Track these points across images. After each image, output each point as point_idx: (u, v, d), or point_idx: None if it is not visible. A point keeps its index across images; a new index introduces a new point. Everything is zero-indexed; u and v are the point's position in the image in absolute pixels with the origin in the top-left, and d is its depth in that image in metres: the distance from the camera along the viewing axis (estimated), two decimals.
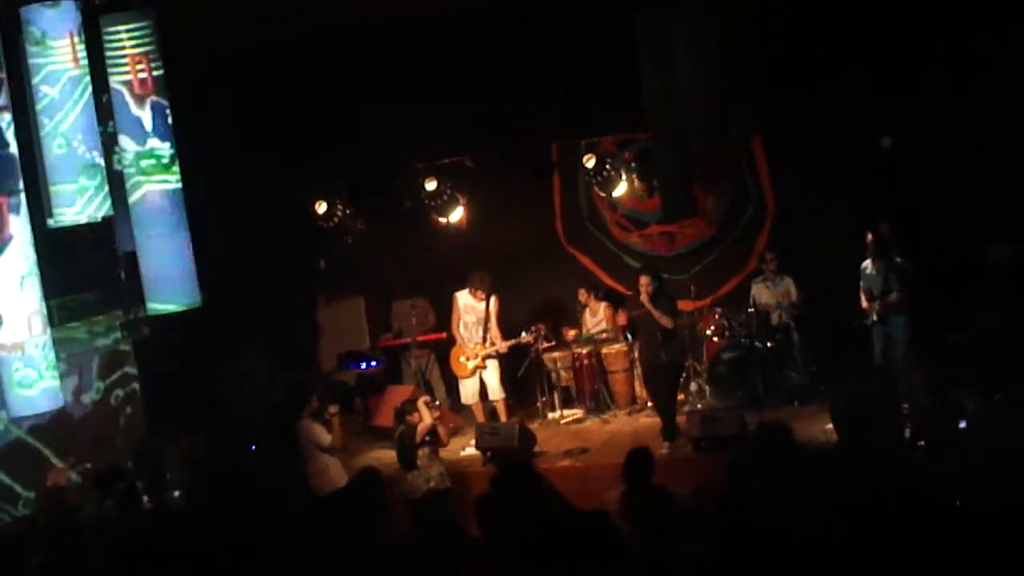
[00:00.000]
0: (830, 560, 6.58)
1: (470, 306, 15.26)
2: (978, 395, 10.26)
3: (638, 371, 15.08)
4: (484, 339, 15.20)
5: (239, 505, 10.88)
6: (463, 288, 15.29)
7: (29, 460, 12.94)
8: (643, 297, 13.50)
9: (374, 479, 9.35)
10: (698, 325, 15.47)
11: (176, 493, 12.85)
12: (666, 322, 13.44)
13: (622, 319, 14.93)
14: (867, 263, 14.05)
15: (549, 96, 14.88)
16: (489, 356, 15.18)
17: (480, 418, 15.25)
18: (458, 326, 15.42)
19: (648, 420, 14.17)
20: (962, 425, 9.38)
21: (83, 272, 13.39)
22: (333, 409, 13.10)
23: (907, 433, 10.92)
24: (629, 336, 14.86)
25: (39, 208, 11.42)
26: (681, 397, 15.13)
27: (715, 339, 15.25)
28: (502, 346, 15.22)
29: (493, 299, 15.21)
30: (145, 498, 12.18)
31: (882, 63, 13.62)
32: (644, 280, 13.61)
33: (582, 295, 16.01)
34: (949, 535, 6.62)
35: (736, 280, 16.01)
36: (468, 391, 15.41)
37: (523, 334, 15.36)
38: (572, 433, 15.11)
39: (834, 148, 14.65)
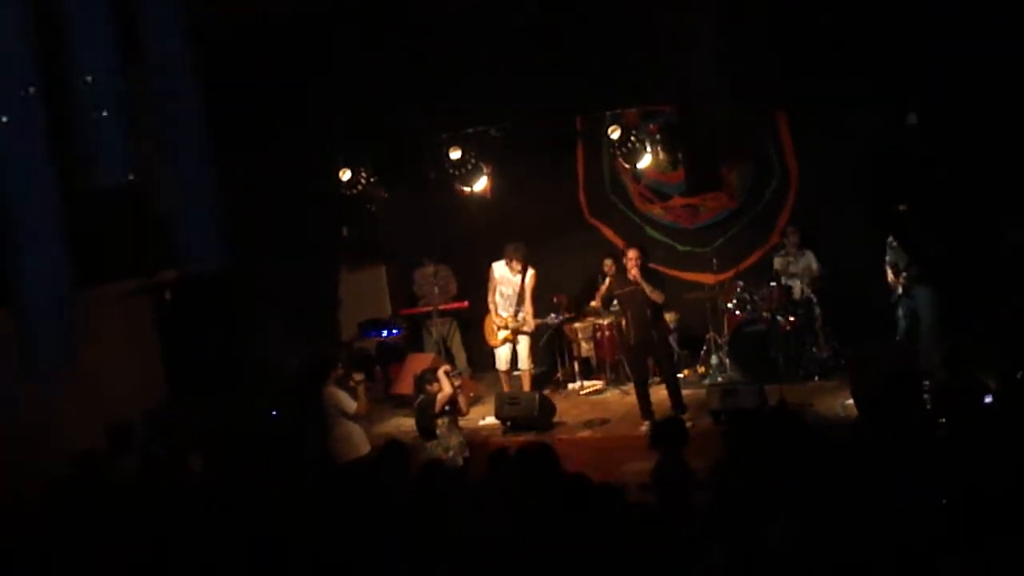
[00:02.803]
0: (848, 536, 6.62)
1: (506, 278, 15.25)
2: (1001, 373, 10.21)
3: None
4: (516, 313, 15.21)
5: (260, 470, 10.92)
6: (499, 259, 15.29)
7: None
8: (633, 272, 13.43)
9: (399, 452, 9.42)
10: (720, 298, 15.45)
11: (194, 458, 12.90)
12: (657, 296, 13.41)
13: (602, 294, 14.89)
14: (891, 238, 14.01)
15: (575, 67, 14.88)
16: (519, 331, 15.21)
17: (506, 386, 15.30)
18: (494, 295, 15.42)
19: (664, 394, 14.16)
20: (987, 400, 9.33)
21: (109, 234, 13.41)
22: (358, 376, 13.13)
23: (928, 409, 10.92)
24: (607, 309, 14.87)
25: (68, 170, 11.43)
26: (702, 370, 15.17)
27: (736, 312, 15.22)
28: (530, 324, 15.24)
29: (530, 272, 15.19)
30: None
31: (907, 34, 13.56)
32: (632, 254, 13.53)
33: (607, 265, 15.98)
34: (968, 512, 6.64)
35: (758, 254, 16.01)
36: (500, 359, 15.45)
37: (550, 316, 15.45)
38: (592, 403, 15.16)
39: (858, 124, 14.60)
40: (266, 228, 14.79)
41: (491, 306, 15.43)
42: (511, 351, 15.34)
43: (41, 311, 10.68)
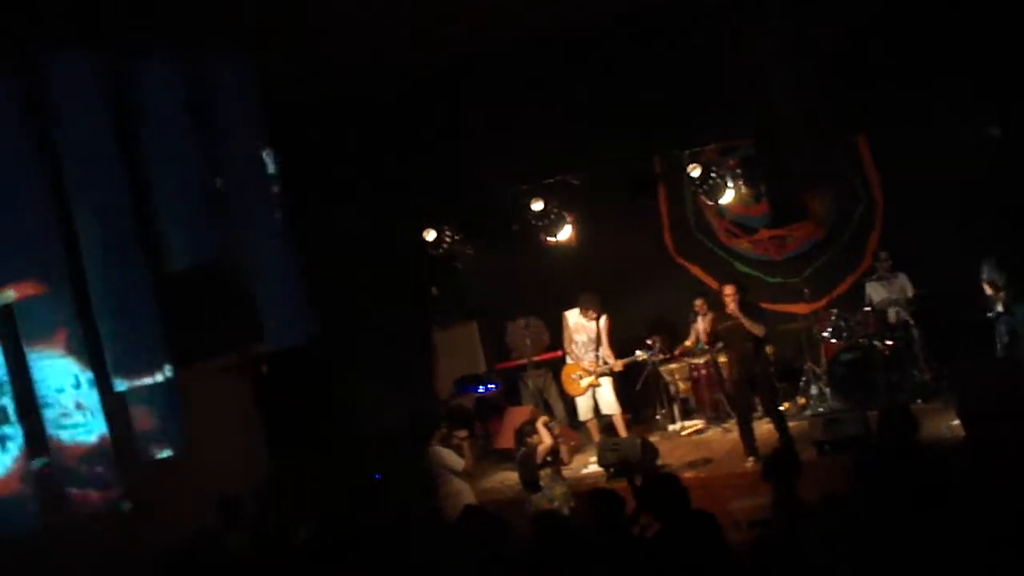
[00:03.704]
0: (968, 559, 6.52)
1: (580, 325, 15.25)
2: None
3: None
4: (596, 358, 15.17)
5: (368, 535, 10.95)
6: (573, 307, 15.30)
7: None
8: (731, 307, 13.36)
9: (478, 517, 9.41)
10: (814, 328, 15.30)
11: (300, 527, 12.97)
12: (757, 330, 13.28)
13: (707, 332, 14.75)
14: (986, 256, 13.83)
15: (649, 109, 14.91)
16: (603, 375, 15.15)
17: (595, 435, 15.25)
18: (570, 345, 15.43)
19: (768, 427, 14.01)
20: None
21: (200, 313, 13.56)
22: (462, 434, 13.20)
23: None
24: (714, 347, 14.73)
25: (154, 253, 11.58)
26: (802, 401, 15.01)
27: (832, 341, 15.05)
28: (616, 364, 15.17)
29: (604, 318, 15.18)
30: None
31: (987, 50, 13.43)
32: (729, 289, 13.41)
33: (698, 305, 15.91)
34: None
35: (850, 280, 15.85)
36: (582, 408, 15.41)
37: (638, 352, 15.33)
38: (693, 444, 15.04)
39: (941, 139, 14.43)
40: (355, 295, 14.89)
41: (568, 354, 15.41)
42: (591, 400, 15.28)
43: (144, 395, 10.83)
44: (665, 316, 16.77)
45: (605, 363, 15.16)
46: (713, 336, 14.29)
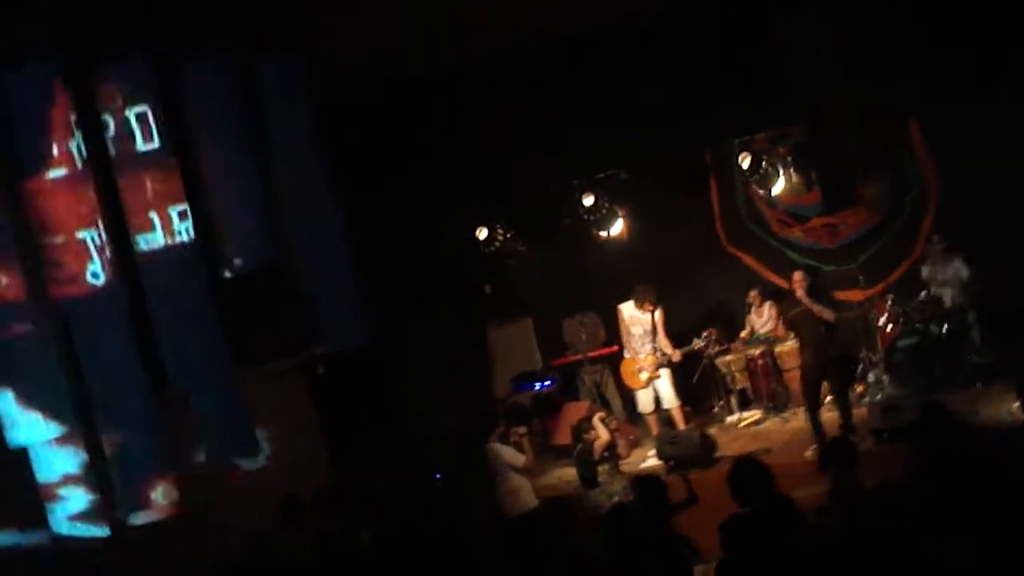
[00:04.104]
0: None
1: (636, 317, 15.22)
2: None
3: None
4: (653, 349, 15.16)
5: (430, 535, 11.00)
6: (626, 300, 15.30)
7: None
8: (799, 293, 13.30)
9: (560, 508, 9.44)
10: (870, 315, 15.21)
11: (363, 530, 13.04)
12: (827, 315, 13.18)
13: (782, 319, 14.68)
14: None
15: (699, 99, 14.88)
16: (661, 366, 15.12)
17: (655, 428, 15.23)
18: (627, 336, 15.42)
19: (829, 415, 13.90)
20: None
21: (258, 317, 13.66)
22: (521, 431, 13.22)
23: None
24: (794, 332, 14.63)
25: (213, 258, 11.69)
26: (860, 389, 14.90)
27: (889, 327, 14.97)
28: (675, 354, 15.12)
29: (659, 311, 15.16)
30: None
31: None
32: (798, 276, 13.38)
33: (752, 295, 15.88)
34: None
35: (905, 265, 15.72)
36: (643, 401, 15.38)
37: (695, 340, 15.29)
38: (752, 435, 14.99)
39: (992, 119, 14.30)
40: (411, 295, 14.96)
41: (626, 348, 15.41)
42: (652, 393, 15.26)
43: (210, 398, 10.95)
44: (719, 307, 16.73)
45: (663, 354, 15.13)
46: (787, 323, 14.18)
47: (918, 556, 6.94)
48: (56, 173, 9.89)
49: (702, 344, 15.31)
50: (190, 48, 11.26)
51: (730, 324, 16.29)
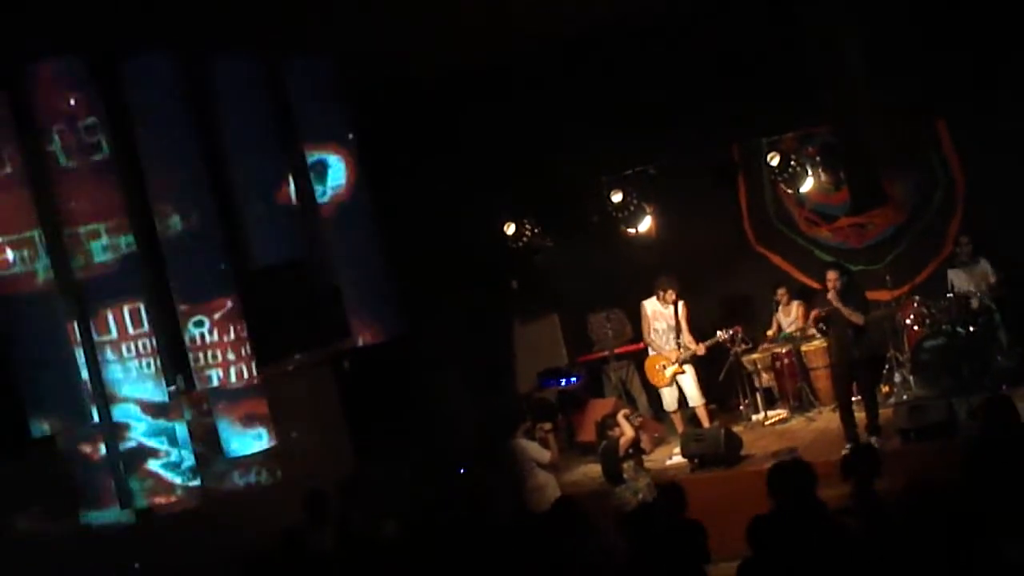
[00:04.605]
0: None
1: (659, 312, 15.26)
2: None
3: None
4: (677, 345, 15.17)
5: (457, 528, 11.03)
6: (649, 296, 15.32)
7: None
8: (831, 295, 13.31)
9: (569, 508, 9.46)
10: (897, 315, 15.17)
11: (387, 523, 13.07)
12: (856, 319, 13.21)
13: (813, 316, 14.66)
14: None
15: (727, 98, 14.90)
16: (685, 361, 15.14)
17: (680, 426, 15.25)
18: (650, 334, 15.43)
19: (857, 416, 13.88)
20: None
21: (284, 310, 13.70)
22: (546, 427, 13.27)
23: None
24: (820, 333, 14.60)
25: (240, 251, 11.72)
26: (886, 389, 14.87)
27: (916, 328, 14.94)
28: (699, 348, 15.15)
29: (681, 304, 15.17)
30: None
31: None
32: (831, 276, 13.41)
33: (780, 294, 15.89)
34: None
35: (932, 266, 15.69)
36: (668, 399, 15.40)
37: (719, 333, 15.28)
38: (778, 434, 14.98)
39: (1022, 121, 14.27)
40: (437, 290, 14.99)
41: (649, 344, 15.43)
42: (677, 391, 15.28)
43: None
44: (746, 305, 16.74)
45: (687, 348, 15.15)
46: (821, 321, 14.14)
47: (959, 555, 6.92)
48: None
49: (726, 337, 15.28)
50: (211, 42, 11.30)
51: (757, 322, 16.29)
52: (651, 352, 15.46)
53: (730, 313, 16.36)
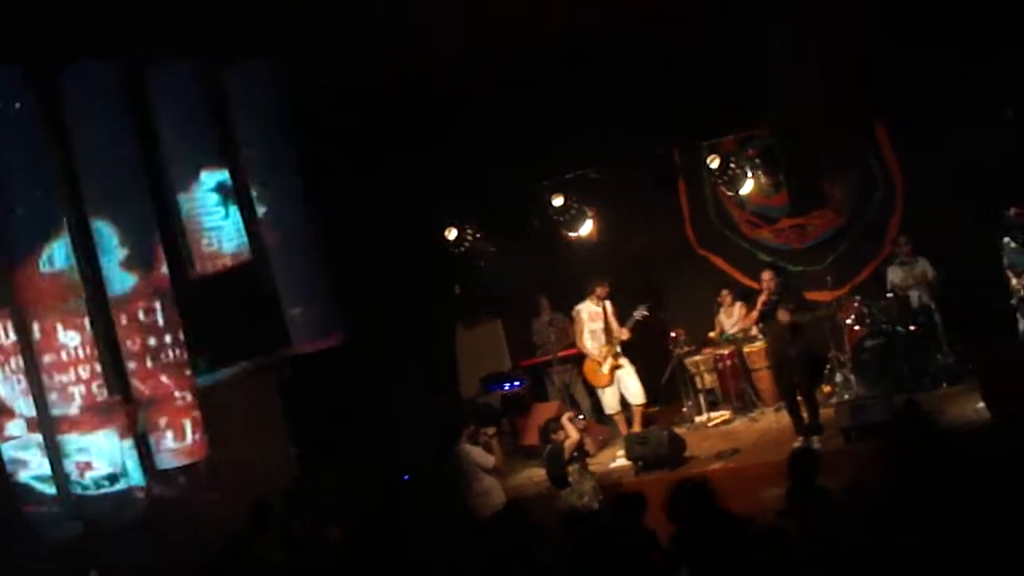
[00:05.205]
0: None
1: (594, 313, 15.42)
2: None
3: None
4: (609, 340, 15.27)
5: (401, 534, 11.00)
6: (581, 301, 15.41)
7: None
8: (763, 296, 13.53)
9: (519, 511, 9.47)
10: (838, 315, 15.27)
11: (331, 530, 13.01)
12: (782, 316, 13.42)
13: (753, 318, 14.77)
14: (1007, 239, 13.76)
15: (667, 101, 14.91)
16: (618, 354, 15.22)
17: (624, 428, 15.30)
18: (583, 338, 15.53)
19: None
20: None
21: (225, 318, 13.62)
22: (490, 431, 13.28)
23: None
24: (761, 333, 14.72)
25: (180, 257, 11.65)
26: (827, 389, 14.97)
27: (856, 328, 15.04)
28: (622, 333, 15.33)
29: (608, 303, 15.38)
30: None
31: (1005, 32, 13.39)
32: (766, 276, 13.74)
33: (723, 296, 15.99)
34: None
35: (872, 266, 15.83)
36: (609, 402, 15.47)
37: (635, 312, 15.39)
38: (721, 435, 15.06)
39: (958, 123, 14.36)
40: (379, 296, 14.93)
41: (584, 349, 15.53)
42: (618, 392, 15.35)
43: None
44: (688, 308, 16.81)
45: (617, 338, 15.28)
46: (759, 319, 14.24)
47: (886, 552, 6.96)
48: None
49: (644, 312, 15.39)
50: (155, 52, 11.24)
51: (699, 324, 16.35)
52: (589, 356, 15.53)
53: (673, 315, 16.42)
